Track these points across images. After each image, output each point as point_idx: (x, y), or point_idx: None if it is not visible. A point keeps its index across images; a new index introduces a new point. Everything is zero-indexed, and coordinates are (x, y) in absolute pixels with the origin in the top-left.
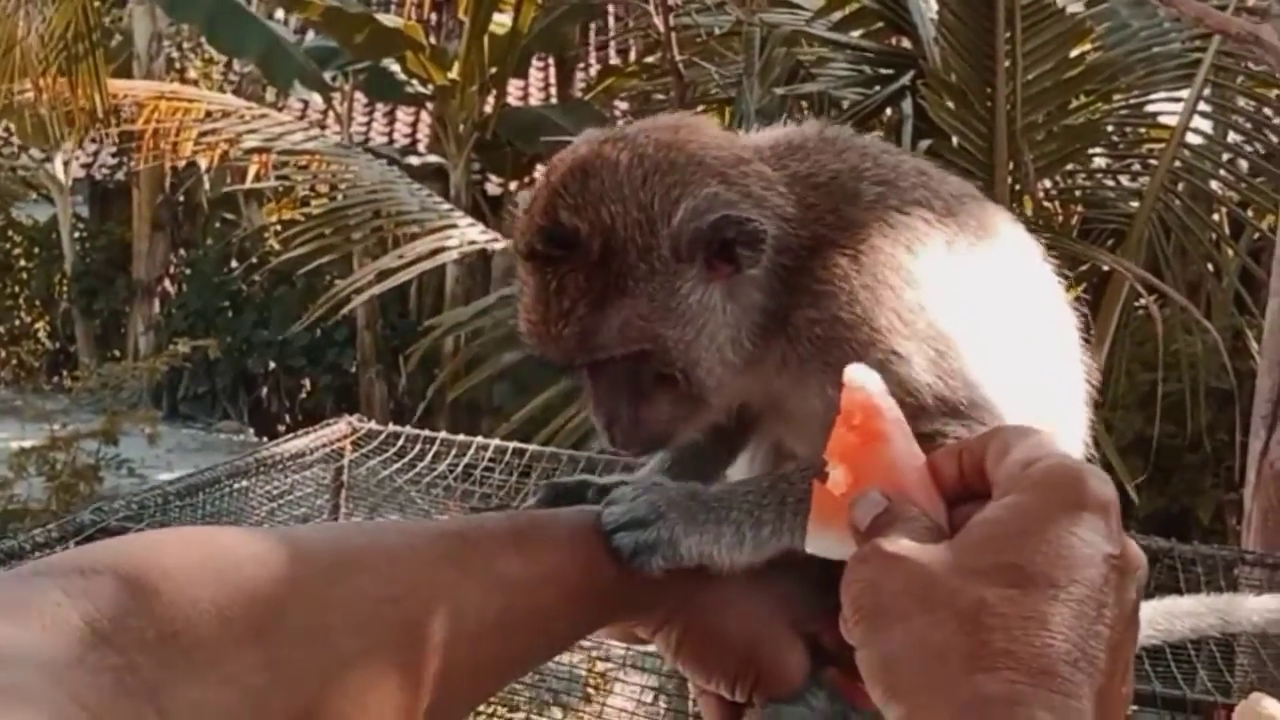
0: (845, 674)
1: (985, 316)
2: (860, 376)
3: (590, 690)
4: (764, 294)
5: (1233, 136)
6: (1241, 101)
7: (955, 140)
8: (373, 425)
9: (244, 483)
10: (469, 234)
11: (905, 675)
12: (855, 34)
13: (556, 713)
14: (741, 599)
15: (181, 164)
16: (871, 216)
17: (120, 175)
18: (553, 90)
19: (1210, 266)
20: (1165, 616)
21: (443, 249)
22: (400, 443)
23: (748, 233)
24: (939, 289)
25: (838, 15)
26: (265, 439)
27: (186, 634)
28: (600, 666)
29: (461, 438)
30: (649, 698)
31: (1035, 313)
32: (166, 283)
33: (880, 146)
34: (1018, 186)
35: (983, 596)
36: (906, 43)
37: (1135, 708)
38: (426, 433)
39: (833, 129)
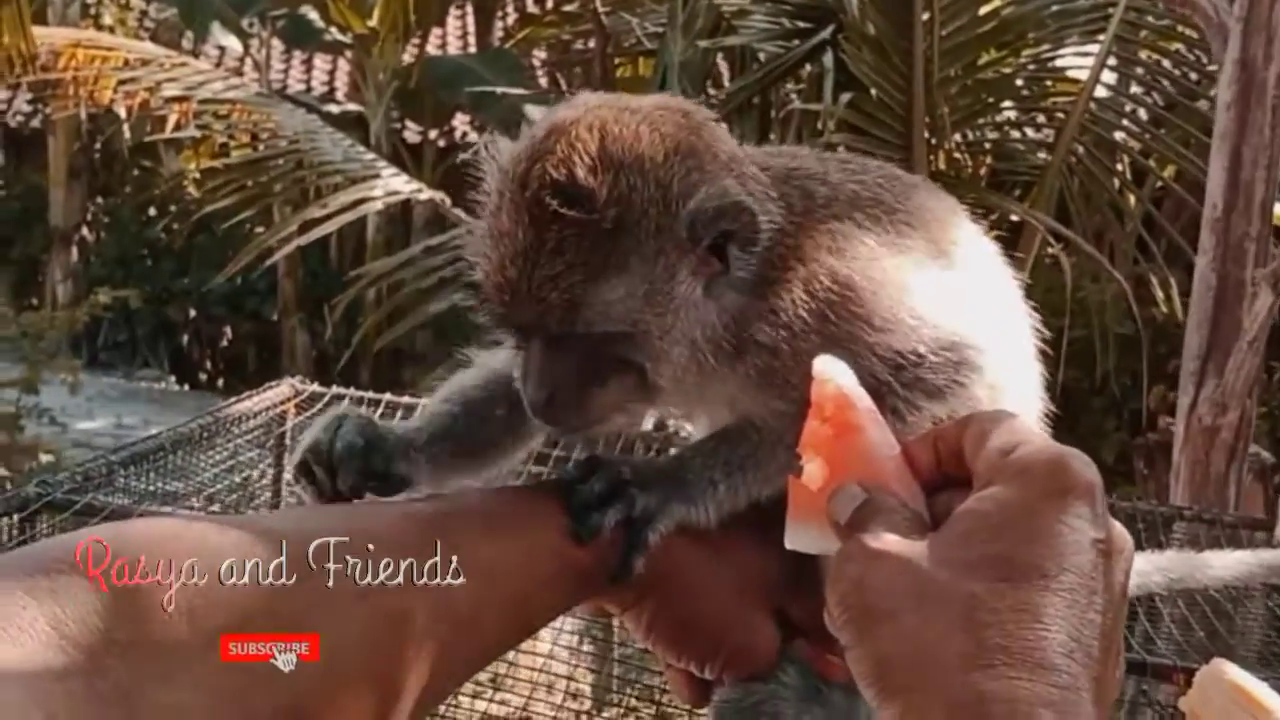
0: (815, 646)
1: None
2: (830, 368)
3: None
4: (740, 296)
5: (1134, 88)
6: (1143, 54)
7: (875, 94)
8: (316, 388)
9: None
10: (393, 184)
11: (898, 675)
12: None
13: None
14: (712, 579)
15: (99, 111)
16: (822, 226)
17: (35, 123)
18: (472, 39)
19: (1115, 215)
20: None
21: (367, 199)
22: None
23: (749, 229)
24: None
25: None
26: (186, 387)
27: (159, 635)
28: None
29: (407, 399)
30: (575, 641)
31: (982, 294)
32: (84, 231)
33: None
34: (933, 140)
35: (973, 591)
36: None
37: None
38: (371, 394)
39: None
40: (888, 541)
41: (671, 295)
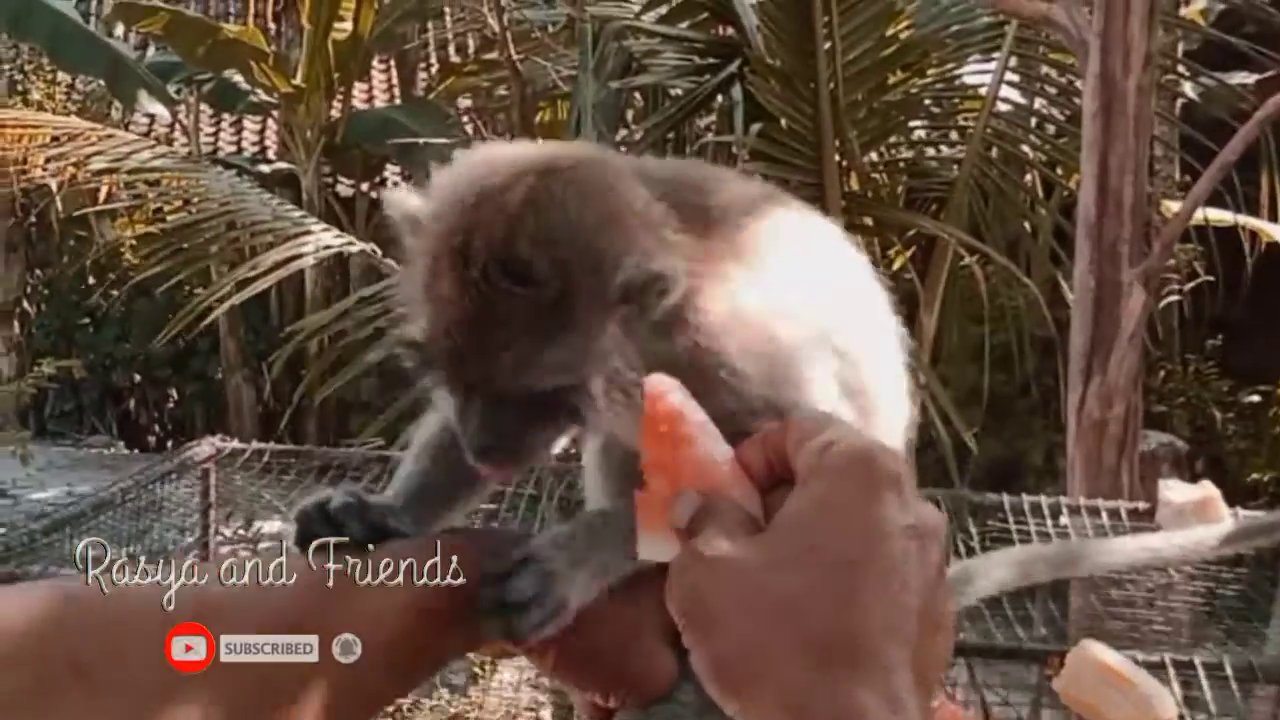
0: None
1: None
2: (661, 385)
3: (477, 671)
4: (653, 331)
5: (1038, 102)
6: (1044, 68)
7: (784, 122)
8: (236, 444)
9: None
10: (323, 239)
11: (734, 673)
12: (683, 25)
13: (444, 693)
14: (609, 615)
15: (31, 186)
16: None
17: None
18: (396, 91)
19: (1026, 225)
20: (1013, 565)
21: (298, 256)
22: (265, 459)
23: (667, 285)
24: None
25: (665, 8)
26: (136, 451)
27: None
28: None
29: (323, 449)
30: (533, 674)
31: (846, 308)
32: (25, 304)
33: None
34: (844, 162)
35: (793, 586)
36: (732, 31)
37: (979, 662)
38: (291, 447)
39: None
40: (717, 548)
41: (603, 344)
